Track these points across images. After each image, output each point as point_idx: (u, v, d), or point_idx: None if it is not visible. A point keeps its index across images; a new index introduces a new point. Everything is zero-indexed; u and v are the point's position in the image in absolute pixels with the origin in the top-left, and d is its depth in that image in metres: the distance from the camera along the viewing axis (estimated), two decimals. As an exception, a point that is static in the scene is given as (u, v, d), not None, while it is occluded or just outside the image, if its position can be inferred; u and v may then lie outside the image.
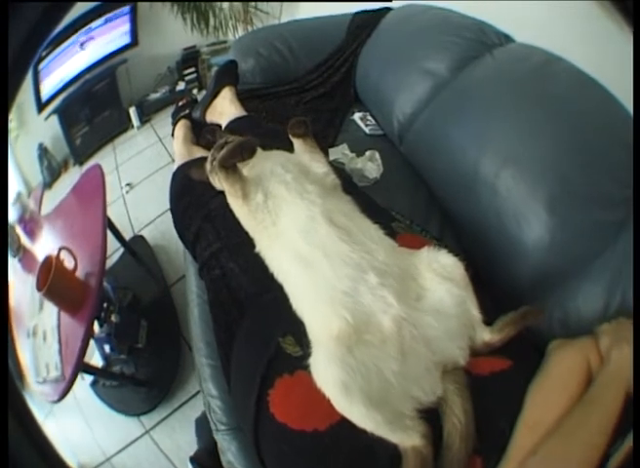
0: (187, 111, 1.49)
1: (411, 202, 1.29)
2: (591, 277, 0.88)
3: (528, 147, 1.03)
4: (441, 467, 0.60)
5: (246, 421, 0.74)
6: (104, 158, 2.35)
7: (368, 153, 1.32)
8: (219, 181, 0.81)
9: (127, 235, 1.90)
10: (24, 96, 2.18)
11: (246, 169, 0.81)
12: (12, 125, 2.12)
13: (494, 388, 0.67)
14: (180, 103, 1.55)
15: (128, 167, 2.23)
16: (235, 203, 0.80)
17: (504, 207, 1.01)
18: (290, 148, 0.90)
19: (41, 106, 2.29)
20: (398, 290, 0.67)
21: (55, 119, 2.35)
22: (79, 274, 1.36)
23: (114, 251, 1.82)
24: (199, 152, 1.26)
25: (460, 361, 0.68)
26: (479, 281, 0.77)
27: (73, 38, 2.35)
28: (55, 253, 1.34)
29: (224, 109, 1.39)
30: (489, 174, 1.05)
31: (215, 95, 1.44)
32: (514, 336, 0.72)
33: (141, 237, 1.89)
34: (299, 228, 0.73)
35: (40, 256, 1.72)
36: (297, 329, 0.72)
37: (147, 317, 1.68)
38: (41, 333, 1.40)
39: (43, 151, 2.30)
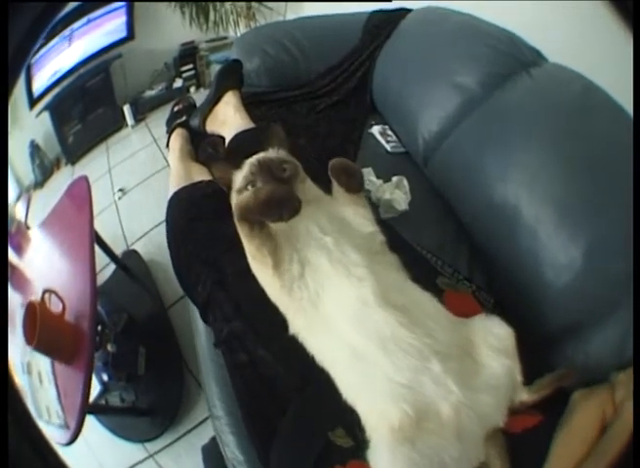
0: (184, 118, 1.23)
1: (438, 235, 1.10)
2: (611, 323, 0.81)
3: (571, 189, 0.89)
4: None
5: None
6: (97, 159, 2.08)
7: (395, 179, 1.09)
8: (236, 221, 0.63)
9: (119, 247, 1.64)
10: (17, 90, 1.90)
11: None
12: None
13: (526, 445, 0.62)
14: (176, 109, 1.29)
15: (121, 170, 1.95)
16: (262, 272, 0.63)
17: (543, 253, 0.88)
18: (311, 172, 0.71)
19: (32, 102, 2.01)
20: (458, 373, 0.59)
21: (46, 116, 2.06)
22: (69, 316, 1.10)
23: (105, 265, 1.56)
24: (199, 172, 1.01)
25: (500, 424, 0.61)
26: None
27: (67, 31, 2.08)
28: (38, 296, 1.09)
29: (228, 118, 1.13)
30: (530, 216, 0.91)
31: (216, 100, 1.17)
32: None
33: (135, 252, 1.62)
34: (347, 316, 0.59)
35: (28, 273, 1.45)
36: (347, 419, 0.62)
37: (145, 343, 1.44)
38: (36, 374, 1.16)
39: (35, 149, 2.04)
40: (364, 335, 0.58)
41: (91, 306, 1.06)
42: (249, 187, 0.66)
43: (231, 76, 1.21)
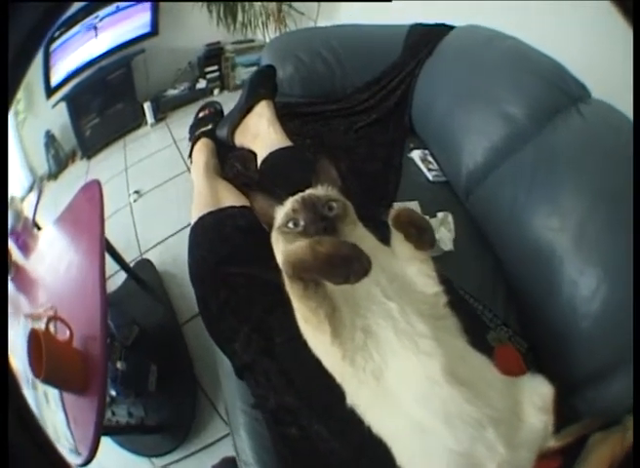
0: (210, 126, 1.05)
1: (478, 274, 0.99)
2: (627, 368, 0.76)
3: (618, 244, 0.80)
4: None
5: None
6: (113, 156, 1.91)
7: (440, 215, 0.96)
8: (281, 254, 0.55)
9: (132, 253, 1.47)
10: (34, 75, 1.76)
11: None
12: (20, 106, 1.72)
13: None
14: (201, 115, 1.11)
15: (138, 170, 1.77)
16: (318, 338, 0.52)
17: (583, 305, 0.81)
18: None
19: (50, 91, 1.85)
20: (507, 435, 0.54)
21: (64, 106, 1.90)
22: (77, 342, 0.94)
23: (115, 272, 1.39)
24: (228, 193, 0.84)
25: None
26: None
27: (89, 20, 1.90)
28: (42, 325, 0.93)
29: (261, 132, 0.96)
30: (574, 270, 0.83)
31: (248, 109, 1.00)
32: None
33: (148, 261, 1.45)
34: (413, 392, 0.51)
35: (34, 275, 1.28)
36: None
37: (157, 359, 1.30)
38: (42, 393, 1.00)
39: (50, 139, 1.88)
40: (429, 411, 0.51)
41: (101, 333, 0.90)
42: (289, 225, 0.56)
43: (265, 83, 1.05)
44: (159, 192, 1.71)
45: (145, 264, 1.45)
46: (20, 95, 1.80)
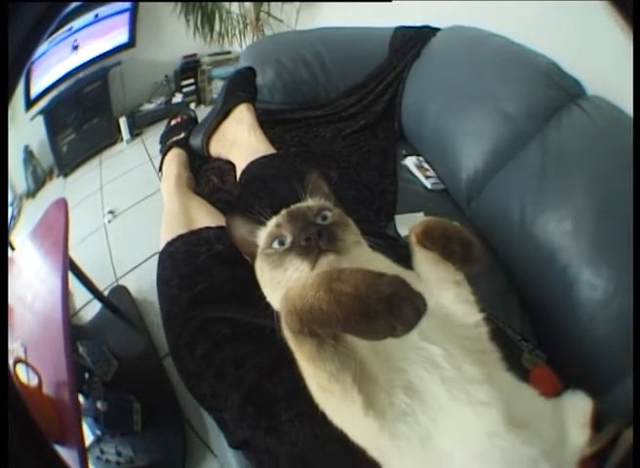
0: (182, 135, 0.90)
1: (488, 289, 0.82)
2: None
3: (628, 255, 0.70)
4: None
5: None
6: (89, 174, 1.74)
7: None
8: (270, 286, 0.43)
9: (107, 278, 1.29)
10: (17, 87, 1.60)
11: None
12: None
13: None
14: (173, 122, 0.96)
15: (113, 188, 1.60)
16: (346, 411, 0.34)
17: (603, 311, 0.74)
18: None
19: (29, 103, 1.69)
20: (556, 462, 0.42)
21: (40, 121, 1.73)
22: (47, 388, 0.76)
23: (89, 301, 1.21)
24: (202, 212, 0.70)
25: None
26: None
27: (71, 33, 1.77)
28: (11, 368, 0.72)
29: (240, 139, 0.81)
30: (593, 273, 0.74)
31: (225, 114, 0.85)
32: None
33: (124, 288, 1.27)
34: (472, 451, 0.37)
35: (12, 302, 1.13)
36: None
37: (140, 397, 1.12)
38: None
39: (29, 155, 1.73)
40: (489, 466, 0.39)
41: (69, 378, 0.74)
42: (274, 245, 0.42)
43: (243, 86, 0.91)
44: (134, 212, 1.53)
45: (121, 291, 1.26)
46: None
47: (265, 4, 1.69)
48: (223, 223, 0.61)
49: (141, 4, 1.90)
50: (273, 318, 0.38)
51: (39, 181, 1.80)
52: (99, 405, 1.11)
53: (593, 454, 0.55)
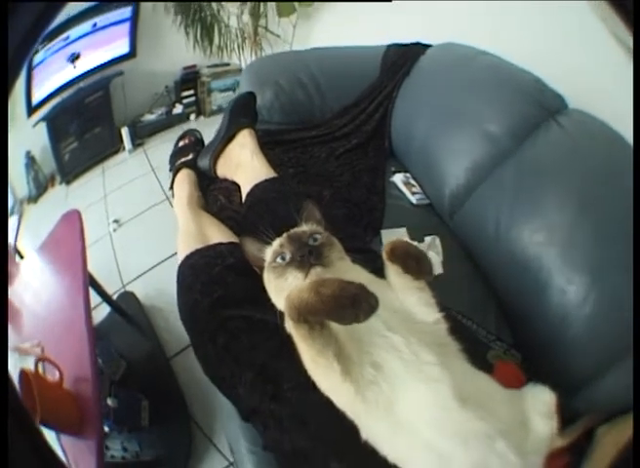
0: (190, 156, 1.02)
1: (468, 293, 0.98)
2: (626, 362, 0.78)
3: (605, 254, 0.83)
4: None
5: None
6: (92, 182, 1.86)
7: (428, 240, 0.95)
8: (275, 291, 0.57)
9: (114, 284, 1.42)
10: (16, 90, 1.74)
11: None
12: None
13: None
14: (181, 144, 1.08)
15: (116, 198, 1.73)
16: (328, 378, 0.50)
17: (574, 313, 0.82)
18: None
19: (31, 110, 1.83)
20: (516, 444, 0.55)
21: (43, 128, 1.88)
22: (68, 383, 0.89)
23: (98, 304, 1.33)
24: (214, 229, 0.82)
25: None
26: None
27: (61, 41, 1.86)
28: (31, 364, 0.87)
29: (244, 162, 0.93)
30: (563, 280, 0.84)
31: (229, 138, 0.98)
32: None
33: (132, 294, 1.40)
34: (426, 419, 0.51)
35: (17, 304, 1.20)
36: None
37: (147, 394, 1.24)
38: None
39: (30, 160, 1.85)
40: (444, 435, 0.51)
41: (92, 376, 0.86)
42: (279, 260, 0.56)
43: (245, 111, 1.03)
44: (139, 221, 1.66)
45: (129, 297, 1.40)
46: None
47: (263, 19, 1.81)
48: (233, 239, 0.78)
49: (142, 15, 2.02)
50: (277, 315, 0.53)
51: (41, 187, 1.92)
52: (109, 402, 1.22)
53: (566, 448, 0.65)
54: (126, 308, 1.36)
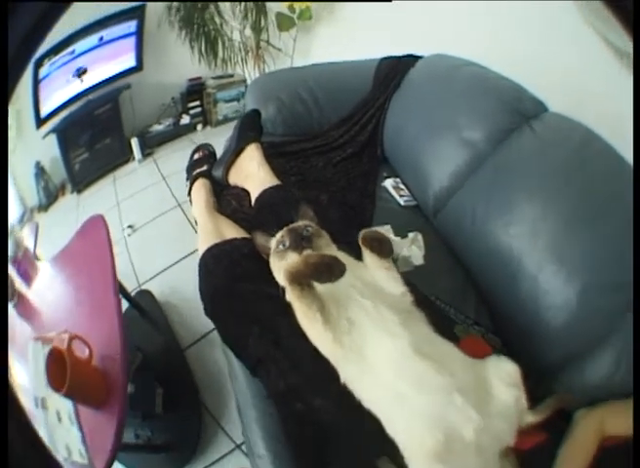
0: (205, 167, 1.28)
1: (449, 284, 1.18)
2: (606, 348, 0.91)
3: (568, 240, 0.99)
4: None
5: None
6: (103, 191, 2.15)
7: (411, 235, 1.17)
8: (280, 271, 0.77)
9: (131, 285, 1.68)
10: (23, 105, 2.03)
11: None
12: (11, 133, 1.94)
13: (535, 460, 0.76)
14: (196, 156, 1.33)
15: (129, 205, 2.00)
16: (313, 328, 0.72)
17: (543, 296, 0.98)
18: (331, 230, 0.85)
19: (40, 122, 2.09)
20: (476, 403, 0.70)
21: (53, 139, 2.16)
22: (96, 361, 1.12)
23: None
24: (229, 228, 1.07)
25: (510, 443, 0.73)
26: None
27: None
28: (64, 343, 1.08)
29: (252, 173, 1.19)
30: (532, 265, 1.01)
31: (239, 151, 1.24)
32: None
33: (148, 292, 1.67)
34: (389, 366, 0.71)
35: (37, 303, 1.48)
36: (389, 448, 0.73)
37: (162, 383, 1.48)
38: (54, 412, 1.16)
39: (40, 170, 2.11)
40: (404, 381, 0.70)
41: (122, 350, 1.09)
42: (281, 246, 0.81)
43: (252, 127, 1.29)
44: (152, 226, 1.94)
45: (146, 295, 1.66)
46: (10, 121, 2.01)
47: (264, 33, 2.08)
48: (245, 235, 1.04)
49: (147, 30, 2.29)
50: (280, 289, 0.77)
51: (51, 196, 2.17)
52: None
53: (542, 425, 0.78)
54: (143, 305, 1.62)
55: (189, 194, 1.26)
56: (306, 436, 0.81)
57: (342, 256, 0.76)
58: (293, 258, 0.76)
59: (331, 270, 0.67)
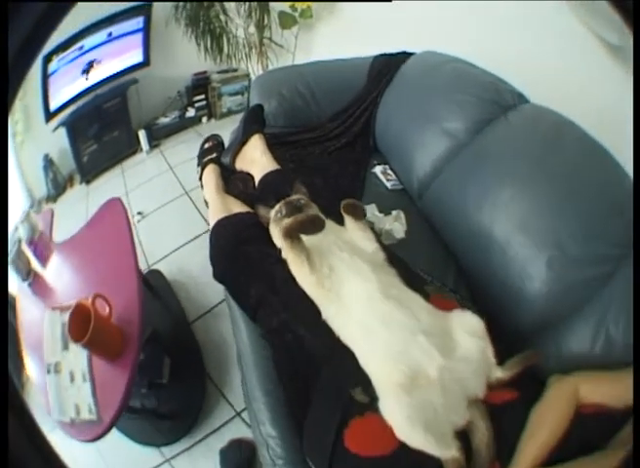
0: (215, 155, 1.53)
1: (430, 258, 1.40)
2: (582, 319, 1.06)
3: (534, 215, 1.18)
4: None
5: (321, 456, 0.91)
6: (112, 181, 2.40)
7: (394, 213, 1.42)
8: (279, 238, 1.00)
9: (141, 267, 1.90)
10: (32, 100, 2.20)
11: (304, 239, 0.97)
12: (18, 127, 2.12)
13: (505, 414, 0.87)
14: (207, 146, 1.59)
15: (138, 194, 2.26)
16: (300, 271, 0.95)
17: (512, 266, 1.16)
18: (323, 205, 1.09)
19: (49, 116, 2.29)
20: (439, 345, 0.86)
21: (62, 132, 2.35)
22: (114, 319, 1.35)
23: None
24: (236, 205, 1.33)
25: (479, 394, 0.87)
26: (489, 327, 0.95)
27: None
28: (89, 299, 1.31)
29: (256, 159, 1.46)
30: (501, 238, 1.20)
31: (245, 141, 1.50)
32: (520, 373, 0.91)
33: (159, 272, 1.92)
34: (361, 304, 0.91)
35: (52, 282, 1.73)
36: (363, 380, 0.89)
37: (169, 353, 1.71)
38: (66, 373, 1.39)
39: (49, 163, 2.29)
40: (372, 316, 0.89)
41: (139, 308, 1.34)
42: (278, 215, 1.05)
43: (256, 120, 1.56)
44: (160, 213, 2.19)
45: (155, 273, 1.92)
46: (18, 116, 2.22)
47: (267, 31, 2.33)
48: (249, 210, 1.29)
49: (154, 26, 2.54)
50: (277, 250, 1.00)
51: (59, 187, 2.38)
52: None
53: (513, 382, 0.90)
54: (153, 283, 1.86)
55: (200, 179, 1.52)
56: (294, 369, 1.03)
57: (328, 222, 0.99)
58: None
59: (314, 224, 0.93)
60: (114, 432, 1.46)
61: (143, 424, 1.63)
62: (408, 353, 0.86)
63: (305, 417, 0.99)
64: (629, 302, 0.99)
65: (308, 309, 0.96)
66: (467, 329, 0.92)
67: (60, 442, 1.27)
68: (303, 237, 0.96)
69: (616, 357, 1.00)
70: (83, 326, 1.26)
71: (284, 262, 0.98)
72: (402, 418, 0.81)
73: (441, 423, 0.82)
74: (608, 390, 0.88)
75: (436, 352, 0.85)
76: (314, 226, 0.92)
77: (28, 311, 1.60)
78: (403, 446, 0.82)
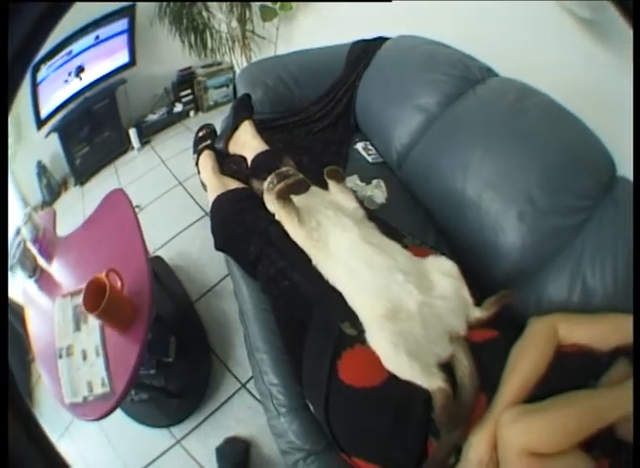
0: (209, 141, 1.90)
1: (411, 221, 1.68)
2: (557, 268, 1.27)
3: (503, 173, 1.43)
4: (458, 401, 0.96)
5: (318, 390, 1.11)
6: (106, 180, 2.74)
7: (374, 182, 1.78)
8: (272, 202, 1.23)
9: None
10: (22, 109, 2.46)
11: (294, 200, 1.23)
12: (10, 140, 2.25)
13: (486, 351, 1.04)
14: (201, 134, 1.96)
15: (133, 189, 2.52)
16: (292, 226, 1.21)
17: (485, 221, 1.41)
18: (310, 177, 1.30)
19: (40, 123, 2.57)
20: (417, 283, 1.08)
21: (54, 137, 2.64)
22: (126, 291, 1.59)
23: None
24: (232, 183, 1.68)
25: (460, 332, 1.06)
26: (468, 279, 1.16)
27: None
28: (102, 274, 1.53)
29: (247, 142, 1.81)
30: (473, 195, 1.46)
31: (235, 127, 1.86)
32: (498, 313, 1.11)
33: (160, 258, 2.26)
34: (345, 250, 1.17)
35: (59, 278, 2.01)
36: (351, 316, 1.11)
37: (175, 333, 1.98)
38: (79, 353, 1.60)
39: (42, 169, 2.56)
40: (355, 259, 1.13)
41: (149, 281, 1.61)
42: (270, 185, 1.29)
43: (244, 107, 1.92)
44: (156, 205, 2.53)
45: (157, 260, 2.25)
46: (9, 129, 2.50)
47: (249, 25, 2.71)
48: (245, 186, 1.63)
49: (138, 27, 2.87)
50: (270, 214, 1.26)
51: (54, 192, 2.65)
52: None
53: (491, 322, 1.08)
54: (155, 269, 2.09)
55: (197, 164, 1.88)
56: (290, 313, 1.27)
57: (314, 187, 1.29)
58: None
59: (301, 185, 1.19)
60: (124, 422, 1.77)
61: (152, 407, 1.86)
62: (388, 289, 1.07)
63: (302, 360, 1.20)
64: (604, 252, 1.21)
65: (301, 258, 1.21)
66: (442, 270, 1.14)
67: (70, 442, 1.64)
68: (294, 198, 1.20)
69: (595, 306, 1.19)
70: (97, 298, 1.47)
71: (278, 223, 1.23)
72: (387, 344, 0.99)
73: (424, 353, 0.99)
74: (588, 331, 1.02)
75: (415, 289, 1.07)
76: (301, 187, 1.18)
77: (38, 311, 1.85)
78: (393, 377, 0.99)
